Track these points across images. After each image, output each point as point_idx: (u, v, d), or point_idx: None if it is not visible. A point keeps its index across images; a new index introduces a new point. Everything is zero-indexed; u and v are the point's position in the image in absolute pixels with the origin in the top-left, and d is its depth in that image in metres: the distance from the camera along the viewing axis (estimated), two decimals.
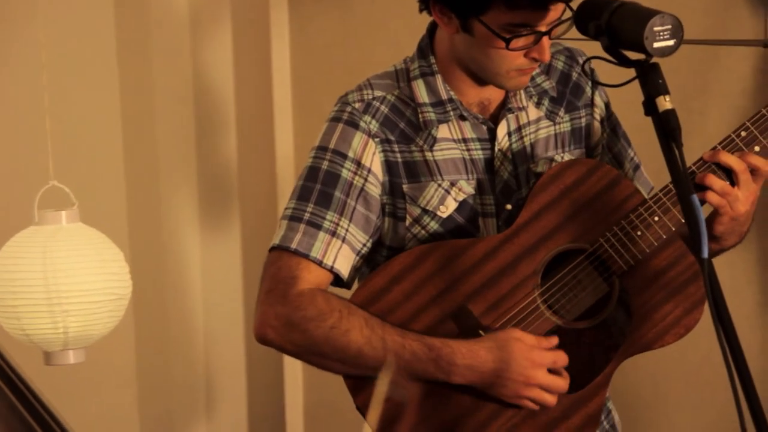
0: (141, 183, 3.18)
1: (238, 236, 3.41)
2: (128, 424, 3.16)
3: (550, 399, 2.16)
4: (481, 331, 2.15)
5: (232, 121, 3.38)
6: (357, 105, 2.19)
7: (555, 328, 2.19)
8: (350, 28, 3.31)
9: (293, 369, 3.38)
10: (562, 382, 2.16)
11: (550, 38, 2.11)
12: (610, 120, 2.34)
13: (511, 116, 2.23)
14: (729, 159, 2.14)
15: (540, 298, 2.18)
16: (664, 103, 1.92)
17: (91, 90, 2.94)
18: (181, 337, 3.36)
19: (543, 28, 2.07)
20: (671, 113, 1.91)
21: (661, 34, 1.89)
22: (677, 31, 1.90)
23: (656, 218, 2.16)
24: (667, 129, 1.90)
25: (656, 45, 1.89)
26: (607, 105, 2.33)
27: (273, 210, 3.40)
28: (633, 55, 1.96)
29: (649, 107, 1.93)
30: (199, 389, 3.42)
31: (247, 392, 3.48)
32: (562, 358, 2.15)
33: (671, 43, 1.89)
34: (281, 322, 2.13)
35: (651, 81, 1.93)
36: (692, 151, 2.76)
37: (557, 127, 2.27)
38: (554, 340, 2.16)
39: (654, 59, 1.93)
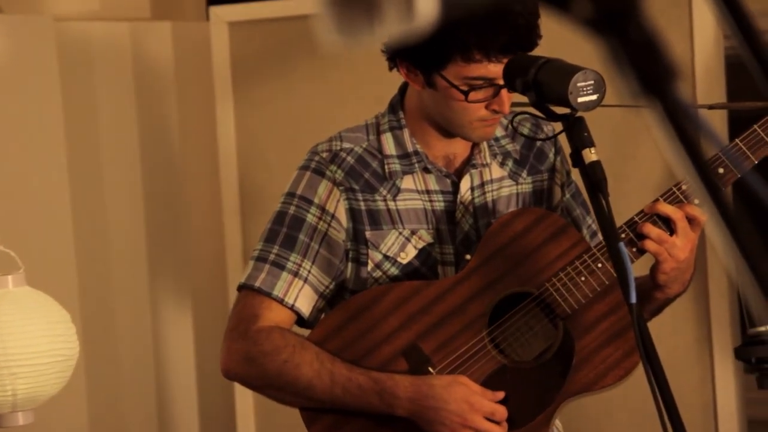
0: (89, 243, 3.20)
1: (188, 292, 3.45)
2: None
3: None
4: (430, 368, 2.24)
5: (180, 178, 3.42)
6: (324, 155, 2.31)
7: (501, 368, 2.26)
8: (294, 101, 3.37)
9: (246, 419, 3.40)
10: (497, 429, 2.23)
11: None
12: (570, 186, 2.43)
13: (474, 171, 2.33)
14: (667, 209, 2.22)
15: (487, 338, 2.26)
16: (590, 155, 1.99)
17: (37, 153, 2.97)
18: (133, 392, 3.38)
19: (500, 81, 2.15)
20: (597, 165, 1.99)
21: (585, 89, 1.96)
22: (600, 86, 1.98)
23: (599, 265, 2.24)
24: (594, 180, 1.98)
25: (580, 100, 1.96)
26: (568, 173, 2.43)
27: (221, 262, 3.43)
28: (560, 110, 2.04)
29: (576, 159, 2.00)
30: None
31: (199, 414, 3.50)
32: (500, 412, 2.23)
33: (594, 97, 1.97)
34: (241, 357, 2.26)
35: (577, 134, 2.00)
36: (627, 194, 2.84)
37: (519, 187, 2.37)
38: (499, 395, 2.23)
39: (580, 113, 2.01)
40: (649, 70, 0.66)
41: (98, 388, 3.26)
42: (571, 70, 1.96)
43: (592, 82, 1.96)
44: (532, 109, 2.11)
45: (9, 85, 2.90)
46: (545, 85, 2.00)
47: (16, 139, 2.88)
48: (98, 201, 3.24)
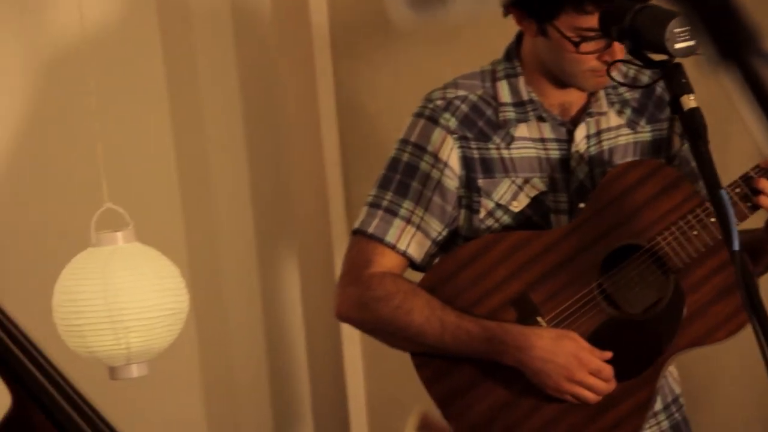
0: (195, 197, 3.24)
1: (293, 242, 3.48)
2: (196, 428, 3.23)
3: (592, 397, 2.24)
4: (539, 318, 2.26)
5: (281, 131, 3.45)
6: (439, 102, 2.33)
7: (610, 320, 2.27)
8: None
9: (354, 365, 3.44)
10: (604, 385, 2.23)
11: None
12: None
13: (590, 120, 2.33)
14: None
15: (597, 290, 2.27)
16: (689, 101, 1.98)
17: (141, 109, 3.01)
18: (243, 342, 3.42)
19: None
20: (696, 111, 1.97)
21: (682, 35, 1.95)
22: None
23: (713, 220, 2.22)
24: (693, 127, 1.96)
25: (677, 46, 1.95)
26: None
27: (325, 213, 3.45)
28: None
29: (675, 107, 1.99)
30: (264, 391, 3.48)
31: (310, 389, 3.54)
32: (607, 371, 2.23)
33: (692, 43, 1.95)
34: (353, 302, 2.33)
35: (675, 81, 1.99)
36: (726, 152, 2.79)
37: (637, 135, 2.36)
38: (607, 354, 2.24)
39: (677, 59, 1.99)
40: (726, 36, 0.66)
41: (209, 340, 3.31)
42: (668, 15, 1.95)
43: (689, 27, 1.94)
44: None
45: (110, 40, 2.95)
46: (641, 32, 1.98)
47: (120, 96, 2.92)
48: (202, 156, 3.28)
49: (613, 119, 2.35)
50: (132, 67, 2.96)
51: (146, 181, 2.97)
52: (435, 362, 2.31)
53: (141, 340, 2.40)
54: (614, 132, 2.35)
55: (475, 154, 2.31)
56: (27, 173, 2.81)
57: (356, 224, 2.35)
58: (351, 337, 3.41)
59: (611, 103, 2.35)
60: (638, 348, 2.27)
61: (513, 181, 2.32)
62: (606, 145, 2.34)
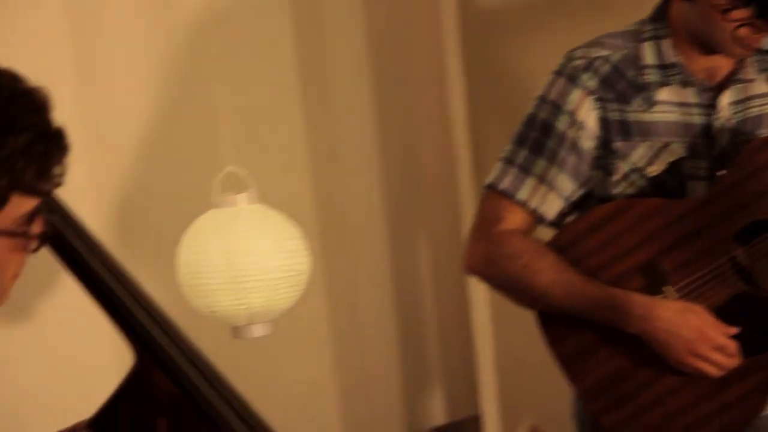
0: (323, 159, 3.25)
1: (420, 201, 3.48)
2: (327, 388, 3.25)
3: (714, 372, 2.20)
4: (667, 287, 2.22)
5: (408, 92, 3.44)
6: (579, 62, 2.30)
7: (740, 294, 2.23)
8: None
9: (483, 326, 3.43)
10: (727, 361, 2.19)
11: None
12: None
13: (738, 87, 2.27)
14: None
15: (729, 263, 2.22)
16: None
17: (267, 70, 3.02)
18: (372, 303, 3.43)
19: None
20: None
21: None
22: None
23: None
24: None
25: None
26: None
27: (452, 175, 3.44)
28: None
29: None
30: (393, 352, 3.49)
31: (439, 351, 3.54)
32: (731, 348, 2.19)
33: None
34: (482, 257, 2.32)
35: None
36: None
37: None
38: (733, 330, 2.20)
39: None
40: None
41: (338, 301, 3.32)
42: None
43: None
44: None
45: (236, 2, 2.96)
46: None
47: (245, 58, 2.94)
48: (330, 118, 3.28)
49: (762, 86, 2.28)
50: (259, 30, 2.98)
51: (270, 144, 2.99)
52: (559, 323, 2.30)
53: (262, 301, 2.43)
54: (761, 99, 2.29)
55: (614, 116, 2.27)
56: (153, 136, 2.85)
57: (489, 179, 2.34)
58: (479, 298, 3.40)
59: (761, 70, 2.29)
60: (766, 325, 2.23)
61: (651, 146, 2.27)
62: (753, 112, 2.27)
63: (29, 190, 1.44)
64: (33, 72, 1.50)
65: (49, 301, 2.62)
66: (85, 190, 2.70)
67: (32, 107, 1.45)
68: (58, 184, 1.50)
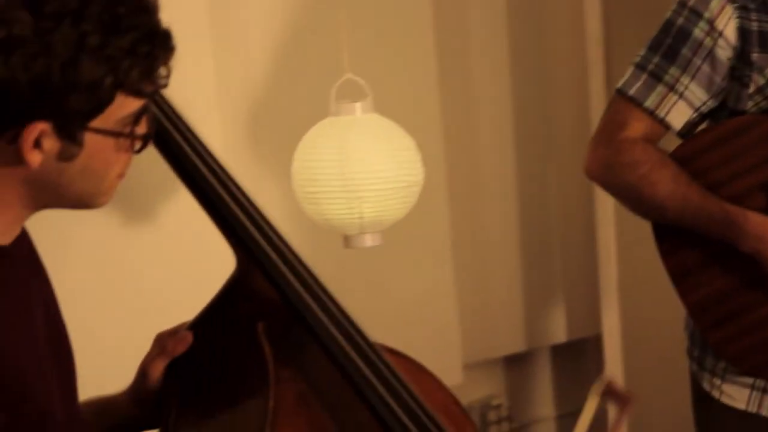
0: (450, 71, 3.22)
1: (550, 128, 3.44)
2: (445, 300, 3.26)
3: None
4: None
5: (544, 26, 3.38)
6: None
7: None
8: None
9: (607, 246, 3.39)
10: None
11: None
12: None
13: None
14: None
15: None
16: None
17: None
18: (496, 217, 3.41)
19: None
20: None
21: None
22: None
23: None
24: None
25: None
26: None
27: (585, 95, 3.38)
28: None
29: None
30: (515, 266, 3.47)
31: (562, 268, 3.52)
32: None
33: None
34: (602, 163, 2.28)
35: None
36: None
37: None
38: None
39: None
40: None
41: (461, 214, 3.31)
42: None
43: None
44: None
45: None
46: None
47: None
48: (460, 27, 3.25)
49: None
50: None
51: (393, 53, 2.97)
52: (673, 236, 2.27)
53: (374, 211, 2.43)
54: None
55: (754, 26, 2.21)
56: (274, 43, 2.85)
57: (619, 83, 2.29)
58: (605, 216, 3.36)
59: None
60: None
61: None
62: None
63: (134, 91, 1.45)
64: None
65: (171, 203, 2.66)
66: (211, 94, 2.73)
67: (139, 7, 1.45)
68: (164, 86, 1.51)
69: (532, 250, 3.49)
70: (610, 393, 1.77)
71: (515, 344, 3.52)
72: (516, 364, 3.63)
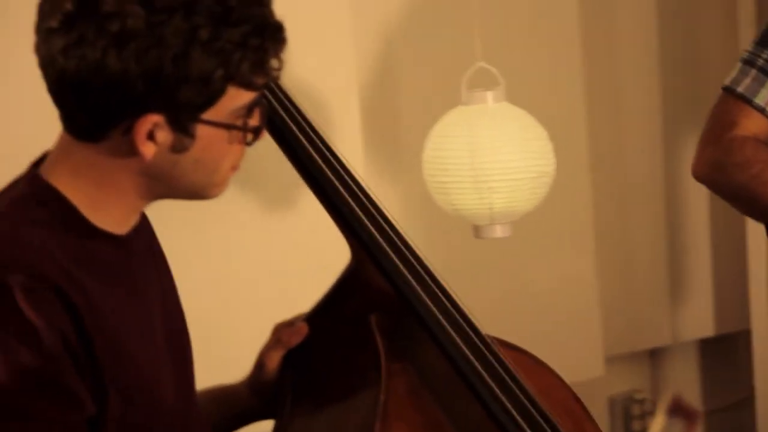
0: (592, 54, 3.16)
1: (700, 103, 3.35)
2: (586, 291, 3.22)
3: None
4: None
5: None
6: None
7: None
8: None
9: (756, 234, 3.31)
10: None
11: None
12: None
13: None
14: None
15: None
16: None
17: None
18: (642, 209, 3.35)
19: None
20: None
21: None
22: None
23: None
24: None
25: None
26: None
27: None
28: None
29: None
30: (660, 253, 3.41)
31: (711, 263, 3.45)
32: None
33: None
34: (710, 163, 2.22)
35: None
36: None
37: None
38: None
39: None
40: None
41: (605, 203, 3.26)
42: None
43: None
44: None
45: None
46: None
47: None
48: (609, 18, 3.19)
49: None
50: None
51: (525, 40, 2.93)
52: None
53: (504, 201, 2.40)
54: None
55: None
56: (409, 30, 2.85)
57: (726, 80, 2.23)
58: None
59: None
60: None
61: None
62: None
63: (245, 83, 1.46)
64: None
65: (287, 195, 2.68)
66: (350, 82, 2.74)
67: (252, 0, 1.46)
68: (276, 78, 1.51)
69: (679, 240, 3.42)
70: (677, 409, 1.72)
71: (661, 337, 3.45)
72: (661, 357, 3.57)
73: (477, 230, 2.48)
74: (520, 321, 3.02)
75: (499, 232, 2.47)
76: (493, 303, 2.94)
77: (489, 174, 2.38)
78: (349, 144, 2.64)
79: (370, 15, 2.80)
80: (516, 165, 2.38)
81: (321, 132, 1.71)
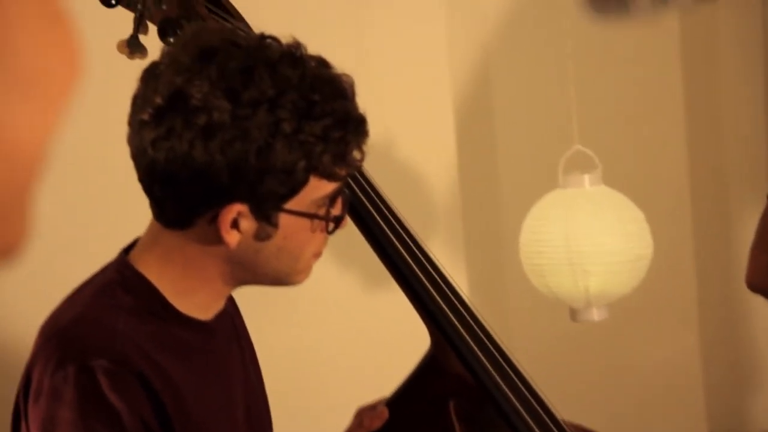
0: (697, 141, 3.14)
1: None
2: (690, 372, 3.17)
3: None
4: None
5: None
6: None
7: None
8: None
9: None
10: None
11: None
12: None
13: None
14: None
15: None
16: None
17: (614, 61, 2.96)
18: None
19: None
20: None
21: None
22: None
23: None
24: None
25: None
26: None
27: None
28: None
29: None
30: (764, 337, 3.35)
31: None
32: None
33: None
34: (766, 271, 2.17)
35: None
36: None
37: None
38: None
39: None
40: None
41: (710, 284, 3.22)
42: None
43: None
44: None
45: None
46: None
47: (594, 37, 2.87)
48: (715, 102, 3.18)
49: None
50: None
51: (619, 123, 2.93)
52: None
53: (600, 284, 2.39)
54: None
55: None
56: (503, 113, 2.87)
57: None
58: None
59: None
60: None
61: None
62: None
63: (327, 174, 1.49)
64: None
65: (372, 279, 2.70)
66: (446, 161, 2.76)
67: (334, 93, 1.50)
68: (357, 168, 1.54)
69: None
70: None
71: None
72: None
73: (574, 313, 2.48)
74: (619, 404, 2.99)
75: (596, 314, 2.45)
76: (592, 386, 2.92)
77: (585, 257, 2.37)
78: (450, 225, 2.66)
79: (471, 99, 2.83)
80: (613, 248, 2.38)
81: (403, 221, 1.74)
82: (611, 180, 2.44)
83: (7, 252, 0.53)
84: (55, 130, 0.53)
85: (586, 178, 2.42)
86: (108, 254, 1.58)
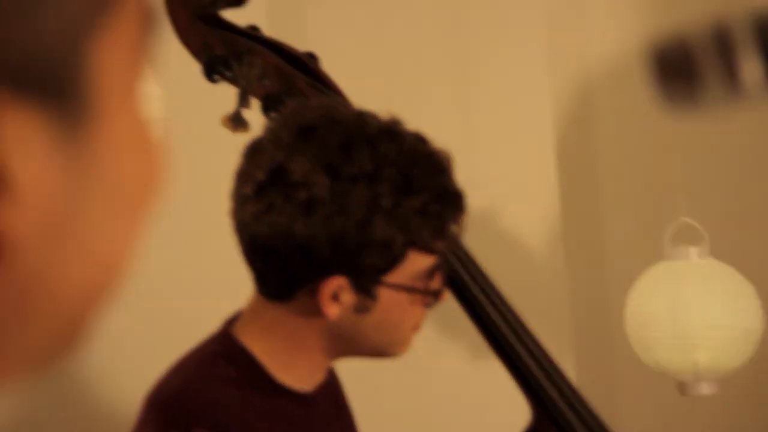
0: None
1: None
2: None
3: None
4: None
5: None
6: None
7: None
8: None
9: None
10: None
11: None
12: None
13: None
14: None
15: None
16: None
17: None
18: None
19: None
20: None
21: None
22: None
23: None
24: None
25: None
26: None
27: None
28: None
29: None
30: None
31: None
32: None
33: None
34: None
35: None
36: None
37: None
38: None
39: None
40: None
41: None
42: None
43: None
44: None
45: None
46: None
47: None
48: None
49: None
50: None
51: (726, 195, 2.90)
52: None
53: (709, 358, 2.36)
54: None
55: None
56: (608, 185, 2.86)
57: None
58: None
59: None
60: None
61: None
62: None
63: (425, 248, 1.50)
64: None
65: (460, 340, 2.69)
66: (550, 231, 2.76)
67: (432, 169, 1.51)
68: (456, 242, 1.55)
69: None
70: None
71: None
72: None
73: (682, 387, 2.44)
74: None
75: (705, 389, 2.42)
76: None
77: (693, 331, 2.34)
78: (554, 298, 2.65)
79: (575, 169, 2.83)
80: (721, 323, 2.34)
81: (501, 294, 1.74)
82: (719, 252, 2.41)
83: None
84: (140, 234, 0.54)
85: (694, 250, 2.40)
86: (211, 325, 1.60)
